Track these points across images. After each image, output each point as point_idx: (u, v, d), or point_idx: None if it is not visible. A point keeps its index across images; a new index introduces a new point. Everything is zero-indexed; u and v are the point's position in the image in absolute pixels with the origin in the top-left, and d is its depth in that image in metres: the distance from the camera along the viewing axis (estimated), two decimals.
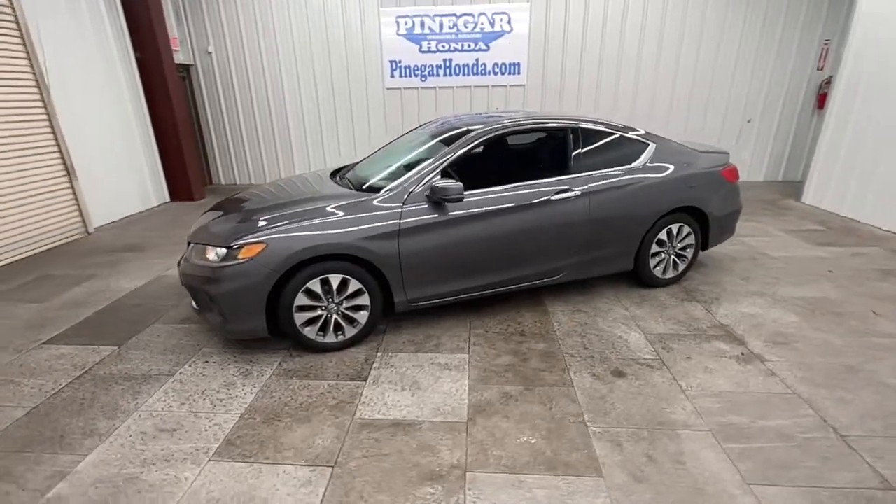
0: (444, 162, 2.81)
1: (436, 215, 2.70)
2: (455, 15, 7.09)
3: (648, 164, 3.26)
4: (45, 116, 4.84)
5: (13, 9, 4.49)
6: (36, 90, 4.74)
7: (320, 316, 2.65)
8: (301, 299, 2.55)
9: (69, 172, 5.10)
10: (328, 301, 2.63)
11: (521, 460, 1.91)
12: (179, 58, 7.22)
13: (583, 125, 3.17)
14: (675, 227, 3.39)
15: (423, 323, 3.09)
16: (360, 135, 7.82)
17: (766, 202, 6.30)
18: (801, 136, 7.51)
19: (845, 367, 2.51)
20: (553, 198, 2.95)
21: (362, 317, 2.74)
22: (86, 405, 2.31)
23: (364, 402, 2.29)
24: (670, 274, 3.54)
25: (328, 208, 2.62)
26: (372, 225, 2.58)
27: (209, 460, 1.94)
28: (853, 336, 2.83)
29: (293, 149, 7.97)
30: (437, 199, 2.67)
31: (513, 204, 2.87)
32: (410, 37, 7.22)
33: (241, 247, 2.44)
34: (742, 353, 2.66)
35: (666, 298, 3.39)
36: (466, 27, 7.14)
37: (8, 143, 4.45)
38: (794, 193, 6.61)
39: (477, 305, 3.30)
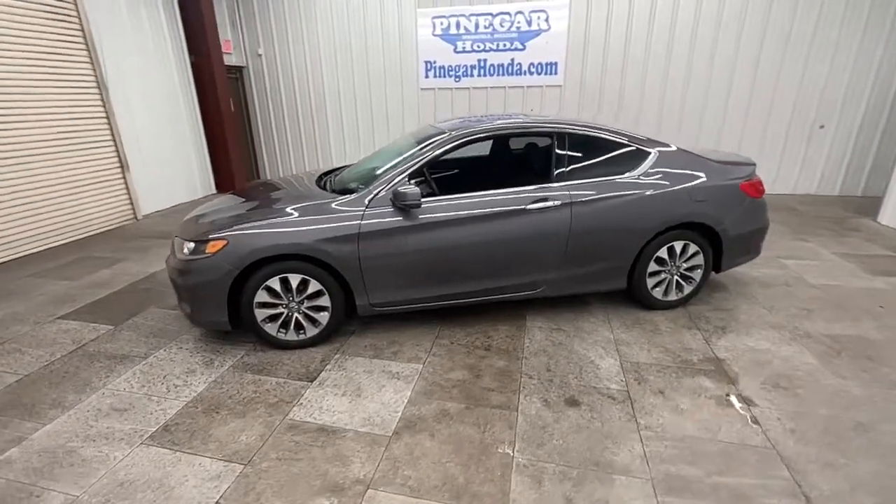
0: (410, 167, 2.75)
1: (401, 220, 2.65)
2: (491, 14, 6.94)
3: (647, 175, 2.96)
4: (103, 114, 5.42)
5: (79, 17, 5.07)
6: (96, 90, 5.32)
7: (282, 314, 2.71)
8: (261, 296, 2.63)
9: (122, 164, 5.68)
10: (288, 300, 2.68)
11: (428, 483, 1.81)
12: (232, 60, 7.78)
13: (570, 130, 2.95)
14: (678, 245, 3.05)
15: (393, 328, 3.05)
16: (394, 134, 7.94)
17: (830, 219, 5.51)
18: (889, 144, 6.46)
19: (853, 424, 2.11)
20: (528, 207, 2.78)
21: (323, 317, 2.76)
22: (66, 378, 2.55)
23: (301, 404, 2.30)
24: (673, 296, 3.20)
25: (289, 209, 2.67)
26: (330, 227, 2.58)
27: (141, 443, 2.05)
28: (880, 387, 2.37)
29: (331, 146, 8.27)
30: (399, 205, 2.62)
31: (485, 212, 2.75)
32: (446, 37, 7.18)
33: (207, 242, 2.55)
34: (727, 395, 2.33)
35: (663, 323, 3.07)
36: (502, 26, 6.97)
37: (70, 137, 5.04)
38: (870, 211, 5.72)
39: (451, 314, 3.20)
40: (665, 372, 2.53)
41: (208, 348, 2.84)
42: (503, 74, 7.22)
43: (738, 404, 2.26)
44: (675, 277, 3.16)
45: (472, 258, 2.80)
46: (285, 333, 2.76)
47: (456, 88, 7.45)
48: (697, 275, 3.17)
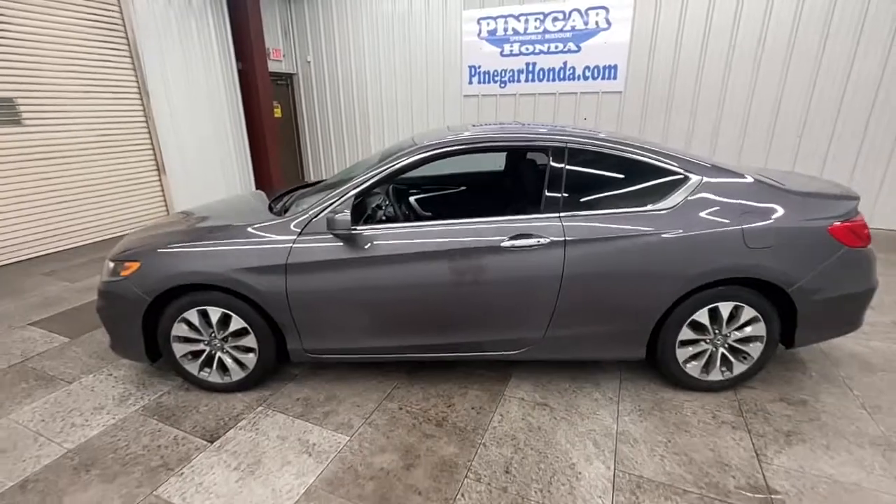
0: (355, 187, 2.22)
1: (342, 251, 2.13)
2: (543, 13, 6.23)
3: (682, 207, 2.14)
4: (143, 119, 5.61)
5: (124, 27, 5.27)
6: (138, 97, 5.51)
7: (203, 351, 2.32)
8: (181, 329, 2.25)
9: (159, 168, 5.84)
10: (210, 336, 2.28)
11: None
12: (282, 67, 7.88)
13: (574, 144, 2.23)
14: (725, 308, 2.18)
15: (341, 378, 2.54)
16: None
17: None
18: None
19: None
20: (504, 244, 2.11)
21: (250, 360, 2.32)
22: None
23: (183, 474, 1.86)
24: (716, 375, 2.32)
25: (211, 230, 2.27)
26: (250, 255, 2.14)
27: None
28: None
29: (372, 151, 8.03)
30: (336, 233, 2.11)
31: (448, 246, 2.13)
32: (492, 39, 6.60)
33: (122, 263, 2.24)
34: None
35: (695, 413, 2.21)
36: (555, 26, 6.22)
37: (109, 142, 5.24)
38: None
39: (417, 367, 2.61)
40: (675, 500, 1.72)
41: (136, 380, 2.53)
42: (554, 79, 6.46)
43: None
44: (721, 350, 2.28)
45: (432, 304, 2.20)
46: (209, 374, 2.36)
47: (501, 95, 6.82)
48: (755, 349, 2.26)
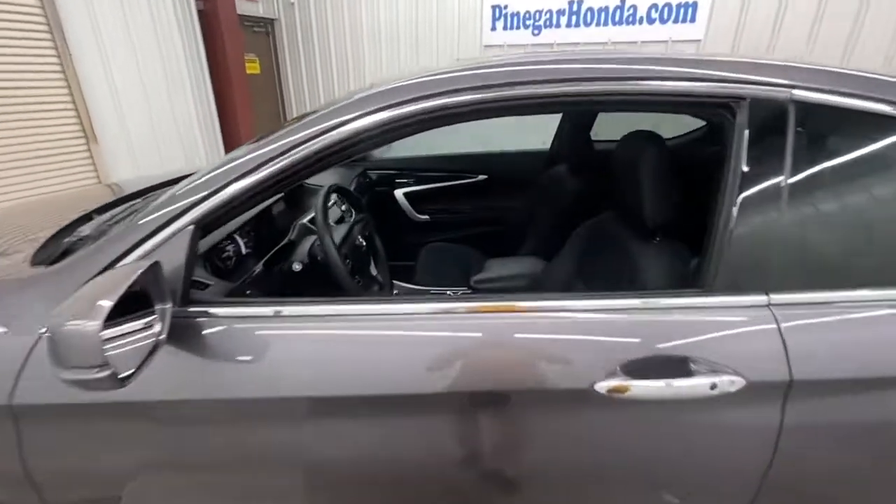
0: (157, 227, 0.86)
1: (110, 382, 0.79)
2: None
3: None
4: (59, 72, 4.23)
5: None
6: (49, 42, 4.12)
7: None
8: None
9: (87, 135, 4.51)
10: None
11: None
12: (259, 10, 6.36)
13: (811, 94, 0.80)
14: None
15: None
16: None
17: None
18: None
19: None
20: (602, 388, 0.74)
21: None
22: None
23: None
24: None
25: None
26: None
27: None
28: None
29: None
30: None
31: (446, 387, 0.78)
32: None
33: None
34: None
35: None
36: None
37: (5, 104, 3.90)
38: None
39: None
40: None
41: None
42: (607, 23, 4.86)
43: None
44: None
45: None
46: None
47: (533, 45, 5.25)
48: None
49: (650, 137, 1.10)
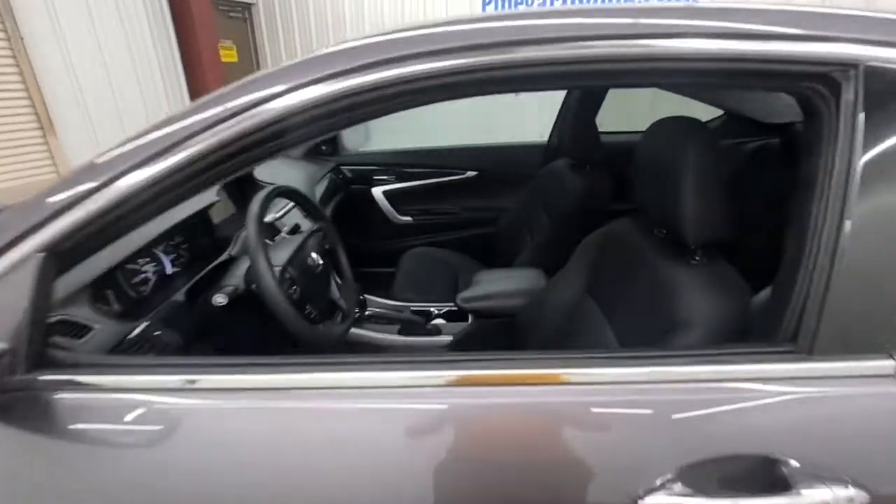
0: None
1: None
2: None
3: None
4: (11, 59, 3.86)
5: None
6: None
7: None
8: None
9: (43, 127, 4.15)
10: None
11: None
12: None
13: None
14: None
15: None
16: None
17: None
18: None
19: None
20: None
21: None
22: None
23: None
24: None
25: None
26: None
27: None
28: None
29: None
30: None
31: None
32: None
33: None
34: None
35: None
36: None
37: None
38: None
39: None
40: None
41: None
42: None
43: None
44: None
45: None
46: None
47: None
48: None
49: (692, 125, 0.83)
